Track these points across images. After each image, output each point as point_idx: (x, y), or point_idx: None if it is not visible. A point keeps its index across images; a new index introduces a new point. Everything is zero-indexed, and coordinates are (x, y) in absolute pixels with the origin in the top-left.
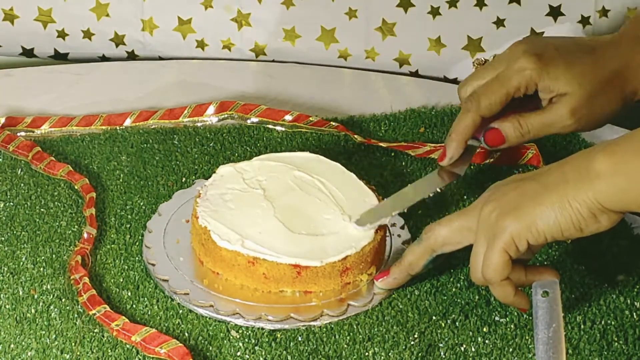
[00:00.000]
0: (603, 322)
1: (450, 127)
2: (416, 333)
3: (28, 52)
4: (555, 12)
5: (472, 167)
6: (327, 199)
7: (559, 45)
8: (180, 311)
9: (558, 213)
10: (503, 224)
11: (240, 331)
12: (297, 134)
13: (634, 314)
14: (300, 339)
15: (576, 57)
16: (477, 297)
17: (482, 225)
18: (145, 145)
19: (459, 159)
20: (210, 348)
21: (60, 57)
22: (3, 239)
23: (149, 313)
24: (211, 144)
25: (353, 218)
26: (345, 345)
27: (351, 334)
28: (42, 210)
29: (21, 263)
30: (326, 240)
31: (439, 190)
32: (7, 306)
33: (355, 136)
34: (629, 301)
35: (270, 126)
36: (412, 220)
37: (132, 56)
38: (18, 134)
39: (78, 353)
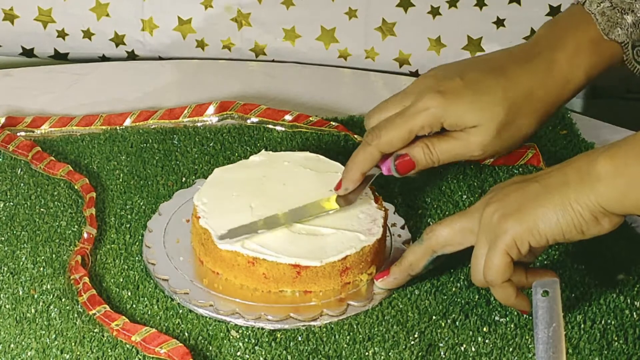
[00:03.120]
0: (603, 322)
1: None
2: (416, 333)
3: (28, 52)
4: (555, 12)
5: (472, 166)
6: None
7: (466, 74)
8: (180, 311)
9: (560, 215)
10: (505, 225)
11: (240, 331)
12: (297, 134)
13: (634, 313)
14: (300, 338)
15: (485, 85)
16: (477, 296)
17: (483, 226)
18: (145, 145)
19: (355, 189)
20: (210, 348)
21: (60, 57)
22: (3, 239)
23: (149, 313)
24: (211, 144)
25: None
26: (345, 345)
27: (351, 333)
28: (42, 210)
29: (21, 263)
30: (326, 240)
31: (329, 213)
32: (7, 306)
33: (355, 136)
34: (629, 300)
35: (270, 126)
36: (412, 220)
37: (132, 56)
38: (18, 134)
39: (78, 353)
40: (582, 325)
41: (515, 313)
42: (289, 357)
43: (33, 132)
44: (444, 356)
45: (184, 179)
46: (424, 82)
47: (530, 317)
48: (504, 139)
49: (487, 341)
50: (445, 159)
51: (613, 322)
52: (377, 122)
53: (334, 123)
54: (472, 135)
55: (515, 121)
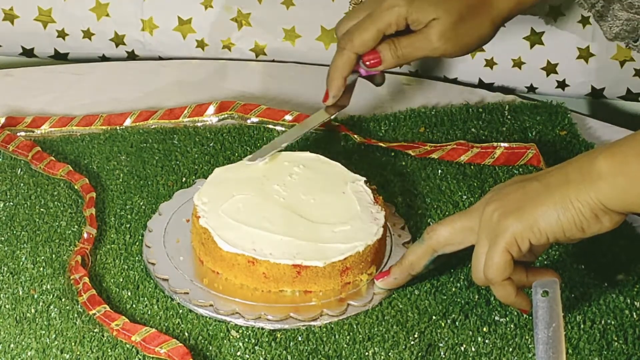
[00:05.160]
0: (603, 322)
1: (449, 127)
2: (416, 333)
3: (28, 52)
4: (555, 12)
5: (472, 167)
6: (327, 199)
7: None
8: (180, 311)
9: (560, 213)
10: (505, 223)
11: (240, 331)
12: None
13: (634, 313)
14: (300, 338)
15: None
16: (477, 296)
17: (484, 225)
18: (145, 145)
19: (342, 95)
20: (210, 348)
21: (60, 57)
22: (3, 239)
23: (149, 313)
24: (211, 144)
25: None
26: (345, 345)
27: (351, 333)
28: (42, 210)
29: (21, 263)
30: (327, 240)
31: (327, 119)
32: (7, 306)
33: (355, 136)
34: (628, 301)
35: (270, 126)
36: (412, 220)
37: (132, 56)
38: (18, 134)
39: (78, 353)
40: (582, 326)
41: (515, 313)
42: (289, 357)
43: (33, 132)
44: (443, 356)
45: (184, 179)
46: None
47: (530, 317)
48: (460, 34)
49: (487, 341)
50: (409, 54)
51: (613, 323)
52: (347, 29)
53: (334, 123)
54: (431, 28)
55: (471, 18)
